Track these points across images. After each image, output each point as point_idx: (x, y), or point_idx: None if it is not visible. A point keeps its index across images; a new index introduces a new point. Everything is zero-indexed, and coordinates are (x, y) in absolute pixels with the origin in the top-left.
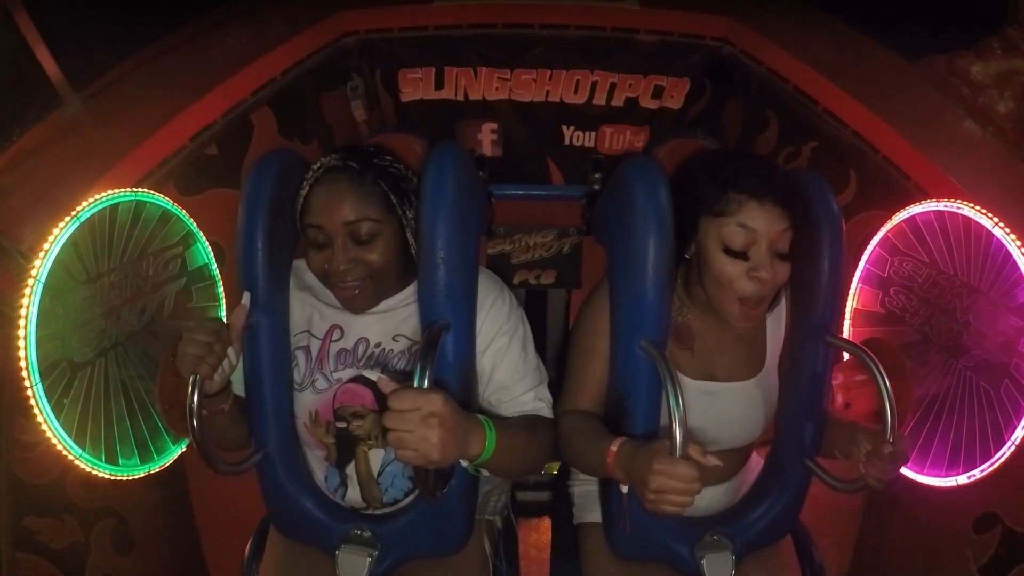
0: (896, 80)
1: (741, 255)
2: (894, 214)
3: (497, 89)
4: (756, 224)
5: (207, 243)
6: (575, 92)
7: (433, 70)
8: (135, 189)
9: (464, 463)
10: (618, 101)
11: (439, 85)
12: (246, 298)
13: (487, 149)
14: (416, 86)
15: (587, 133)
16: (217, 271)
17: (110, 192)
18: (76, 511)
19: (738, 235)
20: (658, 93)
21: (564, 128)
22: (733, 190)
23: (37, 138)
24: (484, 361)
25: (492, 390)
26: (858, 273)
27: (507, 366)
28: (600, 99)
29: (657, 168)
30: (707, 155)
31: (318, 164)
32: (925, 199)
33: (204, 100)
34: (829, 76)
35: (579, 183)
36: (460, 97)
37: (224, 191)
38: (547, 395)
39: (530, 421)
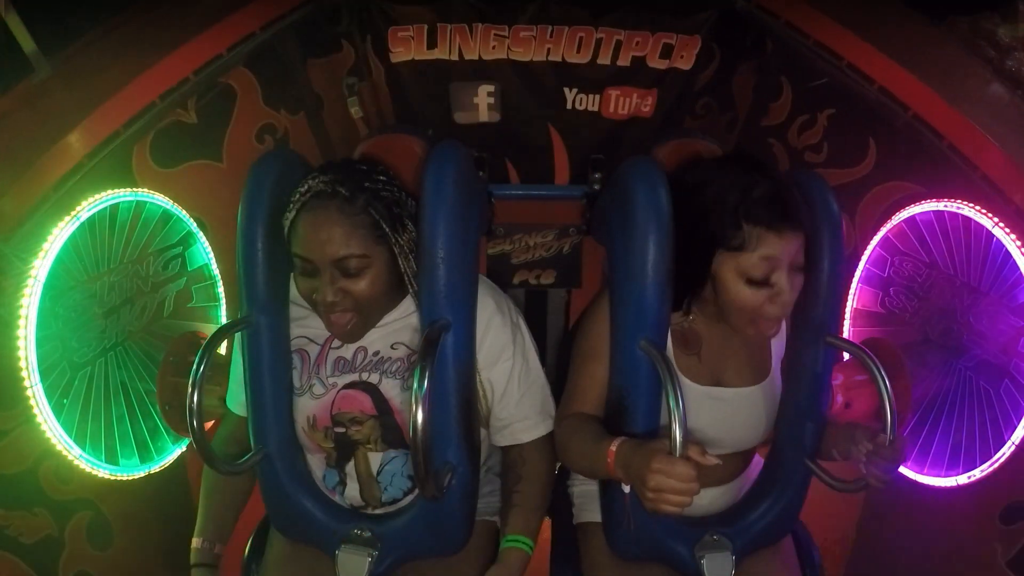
0: (921, 39)
1: (764, 283)
2: (918, 183)
3: (494, 48)
4: (777, 252)
5: (192, 222)
6: (578, 51)
7: (425, 27)
8: (135, 189)
9: None
10: (624, 61)
11: (432, 44)
12: None
13: (484, 114)
14: (407, 45)
15: (591, 96)
16: (217, 271)
17: (110, 192)
18: (49, 503)
19: (760, 267)
20: (667, 52)
21: (566, 90)
22: (748, 223)
23: (5, 105)
24: (491, 378)
25: (501, 411)
26: (858, 273)
27: (513, 386)
28: (605, 58)
29: (657, 168)
30: (709, 177)
31: (305, 187)
32: (958, 160)
33: (174, 55)
34: (852, 30)
35: (582, 150)
36: (455, 57)
37: (204, 163)
38: (550, 407)
39: (539, 471)
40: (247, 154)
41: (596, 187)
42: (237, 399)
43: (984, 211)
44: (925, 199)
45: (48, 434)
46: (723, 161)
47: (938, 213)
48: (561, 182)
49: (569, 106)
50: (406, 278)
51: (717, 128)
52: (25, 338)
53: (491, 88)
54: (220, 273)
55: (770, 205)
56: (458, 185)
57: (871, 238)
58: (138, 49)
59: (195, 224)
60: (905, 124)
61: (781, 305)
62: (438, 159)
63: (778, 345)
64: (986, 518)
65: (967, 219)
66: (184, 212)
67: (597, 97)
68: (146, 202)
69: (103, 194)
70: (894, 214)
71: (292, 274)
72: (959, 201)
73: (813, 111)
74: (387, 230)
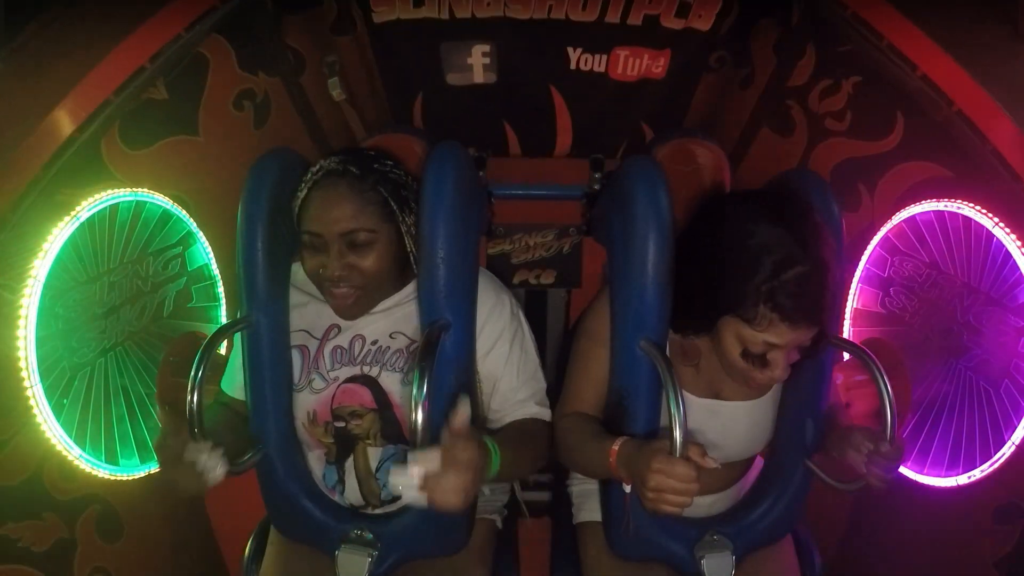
0: (971, 17)
1: (759, 359)
2: (946, 166)
3: (489, 5)
4: (782, 342)
5: (192, 221)
6: (583, 8)
7: None
8: (135, 189)
9: None
10: (635, 19)
11: (418, 1)
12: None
13: (479, 76)
14: (391, 3)
15: (597, 56)
16: (217, 271)
17: (110, 192)
18: (57, 506)
19: (760, 347)
20: (683, 11)
21: (570, 50)
22: (766, 306)
23: None
24: (486, 367)
25: (496, 397)
26: (858, 273)
27: (509, 373)
28: (614, 16)
29: (657, 168)
30: (748, 231)
31: (317, 167)
32: (1003, 170)
33: (129, 40)
34: (895, 5)
35: (587, 114)
36: (444, 15)
37: (180, 139)
38: (546, 401)
39: (529, 429)
40: (225, 124)
41: (596, 187)
42: (233, 382)
43: (984, 211)
44: (951, 184)
45: (48, 434)
46: (771, 211)
47: (938, 213)
48: (563, 146)
49: (573, 67)
50: (411, 258)
51: (731, 84)
52: (25, 338)
53: (486, 48)
54: (214, 257)
55: (794, 296)
56: (458, 185)
57: (889, 218)
58: (95, 36)
59: (176, 205)
60: (947, 118)
61: (770, 379)
62: (438, 159)
63: None
64: (980, 517)
65: (967, 219)
66: (165, 198)
67: (604, 58)
68: (146, 202)
69: (103, 194)
70: (916, 195)
71: (294, 264)
72: (959, 201)
73: (838, 76)
74: (395, 208)
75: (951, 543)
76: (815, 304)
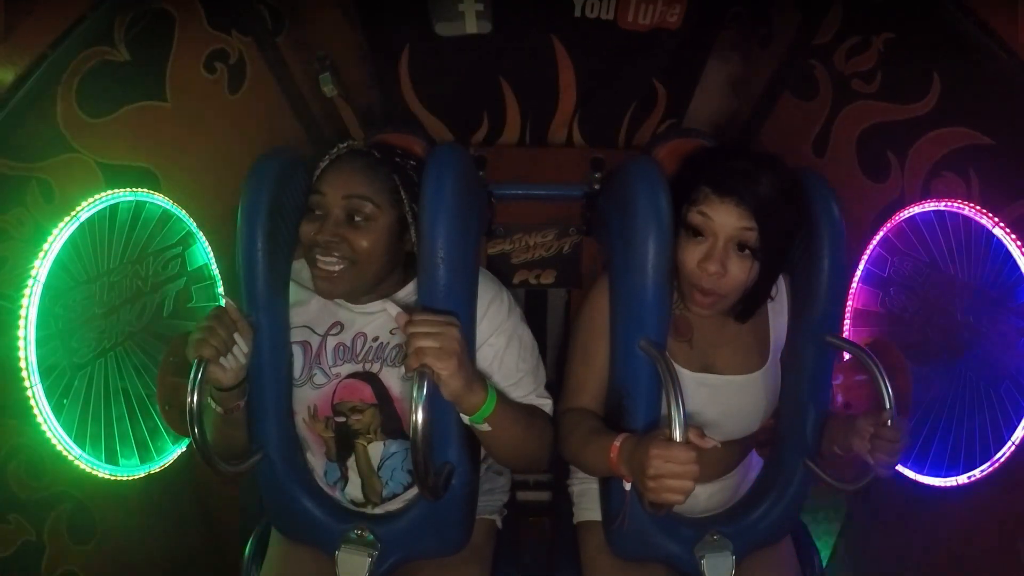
0: None
1: (698, 235)
2: (985, 133)
3: None
4: (713, 215)
5: (191, 221)
6: None
7: None
8: (135, 189)
9: (465, 418)
10: None
11: None
12: (229, 303)
13: (471, 25)
14: None
15: (605, 1)
16: (216, 271)
17: (110, 192)
18: (22, 506)
19: (696, 218)
20: None
21: None
22: (703, 182)
23: None
24: (483, 353)
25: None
26: (858, 273)
27: (505, 367)
28: None
29: (657, 168)
30: (704, 151)
31: (345, 143)
32: None
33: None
34: None
35: (593, 68)
36: None
37: (146, 104)
38: (547, 395)
39: (530, 407)
40: (196, 88)
41: (596, 187)
42: None
43: (984, 211)
44: (989, 153)
45: (48, 435)
46: (719, 145)
47: (938, 213)
48: (567, 107)
49: (578, 13)
50: (414, 250)
51: (749, 43)
52: (25, 338)
53: None
54: (214, 256)
55: (727, 174)
56: (458, 185)
57: (921, 187)
58: None
59: (200, 233)
60: (999, 65)
61: (714, 276)
62: (438, 160)
63: (777, 332)
64: (1011, 516)
65: (967, 219)
66: (164, 198)
67: (613, 3)
68: (146, 202)
69: (103, 194)
70: (950, 164)
71: (295, 262)
72: (959, 201)
73: (867, 33)
74: (404, 197)
75: (978, 544)
76: (746, 186)
